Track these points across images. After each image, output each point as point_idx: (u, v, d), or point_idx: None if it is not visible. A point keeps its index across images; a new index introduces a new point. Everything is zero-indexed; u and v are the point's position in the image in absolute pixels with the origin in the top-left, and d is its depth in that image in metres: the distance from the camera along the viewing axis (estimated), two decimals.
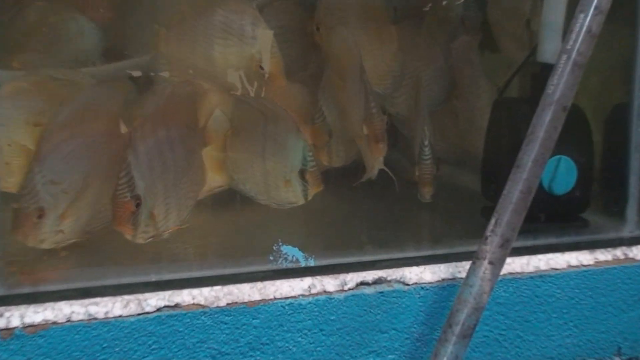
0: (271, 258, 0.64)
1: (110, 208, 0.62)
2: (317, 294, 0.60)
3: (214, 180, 0.76)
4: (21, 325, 0.53)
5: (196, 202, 0.71)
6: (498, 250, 0.55)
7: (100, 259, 0.65)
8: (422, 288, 0.63)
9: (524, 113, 0.67)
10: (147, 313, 0.55)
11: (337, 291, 0.61)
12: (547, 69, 0.58)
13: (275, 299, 0.59)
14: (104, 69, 0.73)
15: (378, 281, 0.62)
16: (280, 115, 0.75)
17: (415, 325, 0.63)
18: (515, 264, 0.67)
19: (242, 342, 0.58)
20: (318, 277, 0.61)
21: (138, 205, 0.62)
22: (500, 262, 0.56)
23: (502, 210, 0.55)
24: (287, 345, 0.59)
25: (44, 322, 0.53)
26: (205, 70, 0.72)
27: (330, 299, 0.60)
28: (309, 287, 0.60)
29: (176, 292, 0.57)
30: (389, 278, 0.63)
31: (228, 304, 0.57)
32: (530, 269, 0.67)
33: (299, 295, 0.60)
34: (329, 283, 0.61)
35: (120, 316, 0.55)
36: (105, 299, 0.56)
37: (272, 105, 0.76)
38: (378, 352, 0.62)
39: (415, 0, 0.88)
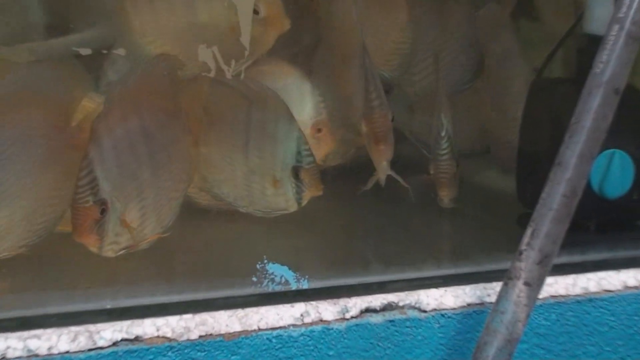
0: (254, 279, 0.64)
1: (52, 215, 0.62)
2: (311, 324, 0.60)
3: None
4: None
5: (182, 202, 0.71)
6: (536, 268, 0.55)
7: (41, 281, 0.65)
8: (443, 315, 0.63)
9: (569, 97, 0.67)
10: (101, 348, 0.55)
11: (337, 320, 0.61)
12: (596, 42, 0.59)
13: (259, 329, 0.59)
14: (46, 45, 0.73)
15: (387, 307, 0.62)
16: (269, 98, 0.74)
17: None
18: (557, 285, 0.67)
19: None
20: (313, 303, 0.61)
21: (103, 211, 0.62)
22: (539, 283, 0.55)
23: (540, 219, 0.55)
24: None
25: None
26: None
27: (328, 329, 0.60)
28: (302, 315, 0.60)
29: (136, 322, 0.57)
30: (401, 303, 0.63)
31: (201, 337, 0.57)
32: (577, 290, 0.67)
33: (289, 326, 0.59)
34: (327, 310, 0.61)
35: (67, 352, 0.54)
36: (49, 330, 0.55)
37: (258, 87, 0.75)
38: None
39: None
